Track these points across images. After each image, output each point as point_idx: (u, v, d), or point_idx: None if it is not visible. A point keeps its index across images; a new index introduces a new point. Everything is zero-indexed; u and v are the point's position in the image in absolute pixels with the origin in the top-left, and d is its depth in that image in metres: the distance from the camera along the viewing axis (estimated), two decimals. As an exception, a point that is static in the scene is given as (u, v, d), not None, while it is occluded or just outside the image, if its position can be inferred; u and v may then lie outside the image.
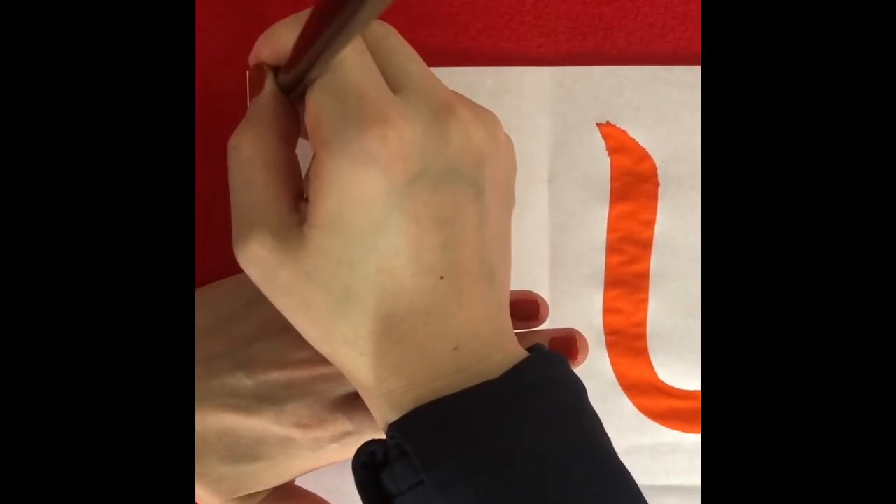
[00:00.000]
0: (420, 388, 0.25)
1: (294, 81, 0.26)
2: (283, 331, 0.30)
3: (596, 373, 0.37)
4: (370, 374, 0.25)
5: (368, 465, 0.25)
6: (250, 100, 0.28)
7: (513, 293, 0.29)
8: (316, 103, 0.25)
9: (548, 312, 0.33)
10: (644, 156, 0.36)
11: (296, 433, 0.30)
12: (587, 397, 0.26)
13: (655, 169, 0.36)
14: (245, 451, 0.30)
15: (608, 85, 0.36)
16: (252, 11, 0.36)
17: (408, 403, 0.24)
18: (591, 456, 0.25)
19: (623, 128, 0.36)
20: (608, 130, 0.36)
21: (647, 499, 0.39)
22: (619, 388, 0.37)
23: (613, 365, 0.37)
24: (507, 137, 0.28)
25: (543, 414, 0.24)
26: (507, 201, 0.29)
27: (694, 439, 0.37)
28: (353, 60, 0.25)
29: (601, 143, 0.36)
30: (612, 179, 0.36)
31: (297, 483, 0.33)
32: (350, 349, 0.25)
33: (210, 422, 0.30)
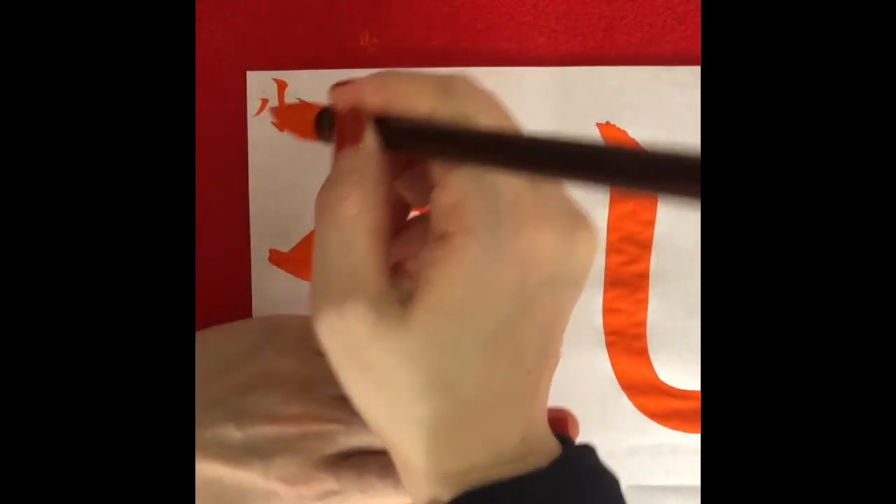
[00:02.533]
0: (481, 473, 0.24)
1: (412, 149, 0.25)
2: (278, 384, 0.30)
3: (596, 373, 0.37)
4: (424, 455, 0.24)
5: None
6: (338, 150, 0.25)
7: None
8: (465, 187, 0.24)
9: None
10: (644, 156, 0.36)
11: (280, 488, 0.30)
12: (620, 486, 0.26)
13: (655, 169, 0.36)
14: (230, 502, 0.30)
15: (608, 85, 0.36)
16: (252, 11, 0.36)
17: (464, 485, 0.24)
18: None
19: (623, 128, 0.36)
20: (608, 131, 0.36)
21: (648, 499, 0.38)
22: (619, 388, 0.37)
23: (613, 365, 0.37)
24: None
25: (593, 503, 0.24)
26: None
27: (694, 439, 0.37)
28: None
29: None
30: (613, 179, 0.37)
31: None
32: (417, 428, 0.24)
33: (199, 470, 0.29)
